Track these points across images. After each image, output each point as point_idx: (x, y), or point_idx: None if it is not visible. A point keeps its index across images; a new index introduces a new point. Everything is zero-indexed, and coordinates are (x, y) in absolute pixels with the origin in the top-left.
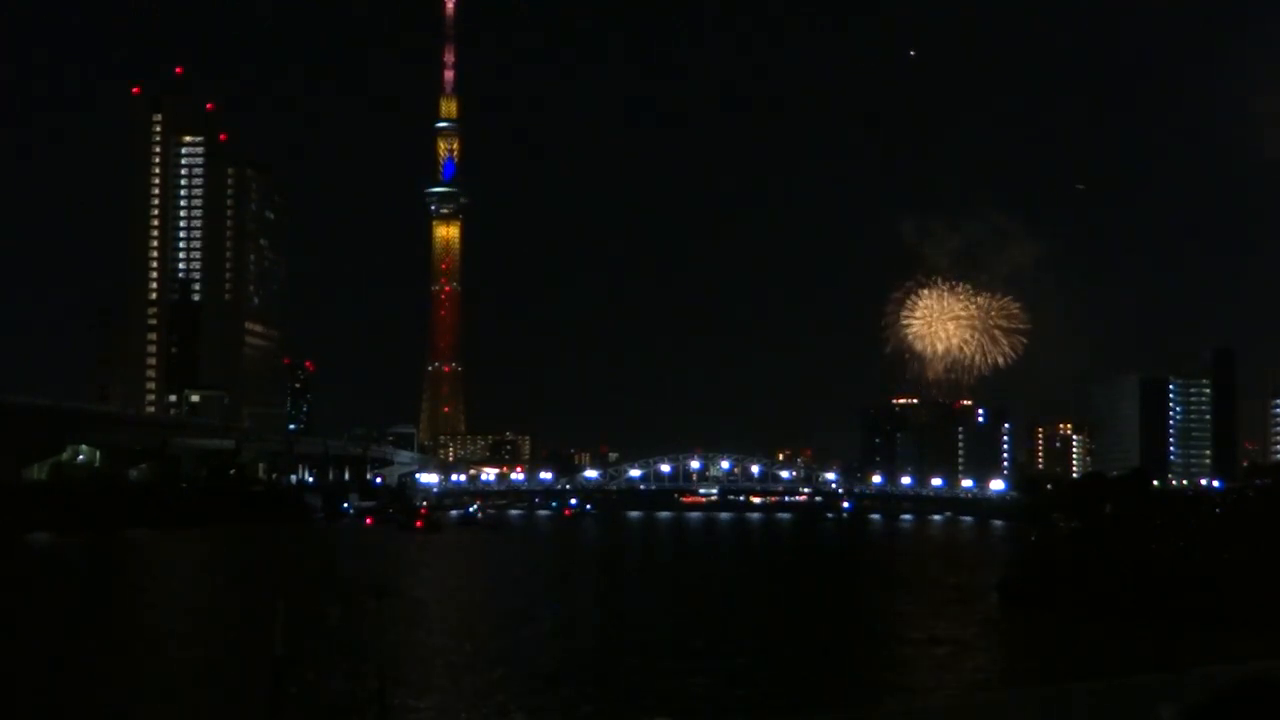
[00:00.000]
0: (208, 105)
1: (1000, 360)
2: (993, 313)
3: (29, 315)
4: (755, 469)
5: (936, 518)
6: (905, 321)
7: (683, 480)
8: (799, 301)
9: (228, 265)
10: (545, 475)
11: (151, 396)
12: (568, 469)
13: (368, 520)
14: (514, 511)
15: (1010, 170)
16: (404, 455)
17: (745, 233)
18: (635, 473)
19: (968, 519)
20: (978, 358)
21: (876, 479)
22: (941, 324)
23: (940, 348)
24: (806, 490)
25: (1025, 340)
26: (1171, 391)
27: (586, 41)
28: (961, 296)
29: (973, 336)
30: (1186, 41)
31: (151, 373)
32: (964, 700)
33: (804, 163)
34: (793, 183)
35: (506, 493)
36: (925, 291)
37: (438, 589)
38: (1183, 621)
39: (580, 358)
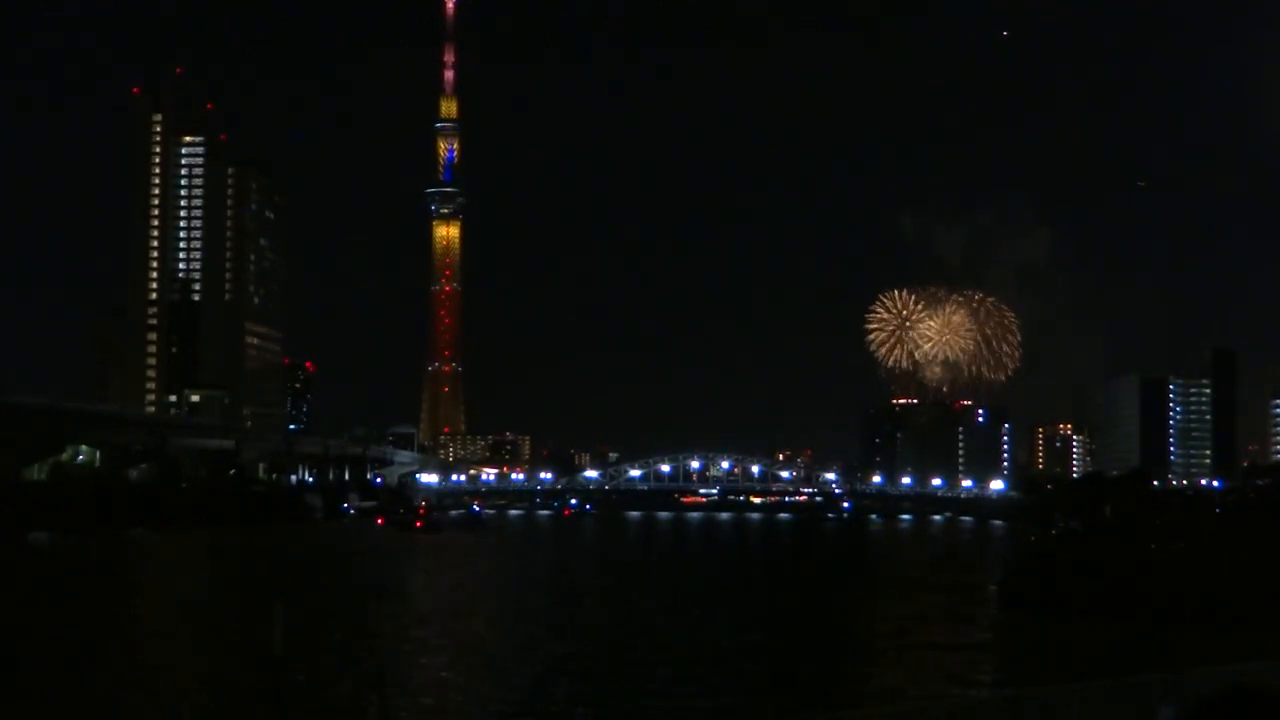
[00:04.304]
0: (208, 105)
1: (1000, 371)
2: (989, 323)
3: (29, 315)
4: (755, 469)
5: (936, 518)
6: (894, 333)
7: (683, 480)
8: (799, 301)
9: (228, 265)
10: (545, 475)
11: (151, 396)
12: (568, 469)
13: (379, 520)
14: (514, 512)
15: (1009, 171)
16: (404, 455)
17: (745, 232)
18: (635, 473)
19: (968, 519)
20: (976, 368)
21: (876, 479)
22: (934, 335)
23: (936, 356)
24: (806, 490)
25: (1019, 353)
26: (1171, 391)
27: (586, 41)
28: (955, 307)
29: (970, 347)
30: (1191, 41)
31: (151, 373)
32: (963, 701)
33: (805, 160)
34: (793, 181)
35: (506, 492)
36: (918, 305)
37: (437, 588)
38: (1182, 621)
39: (580, 358)
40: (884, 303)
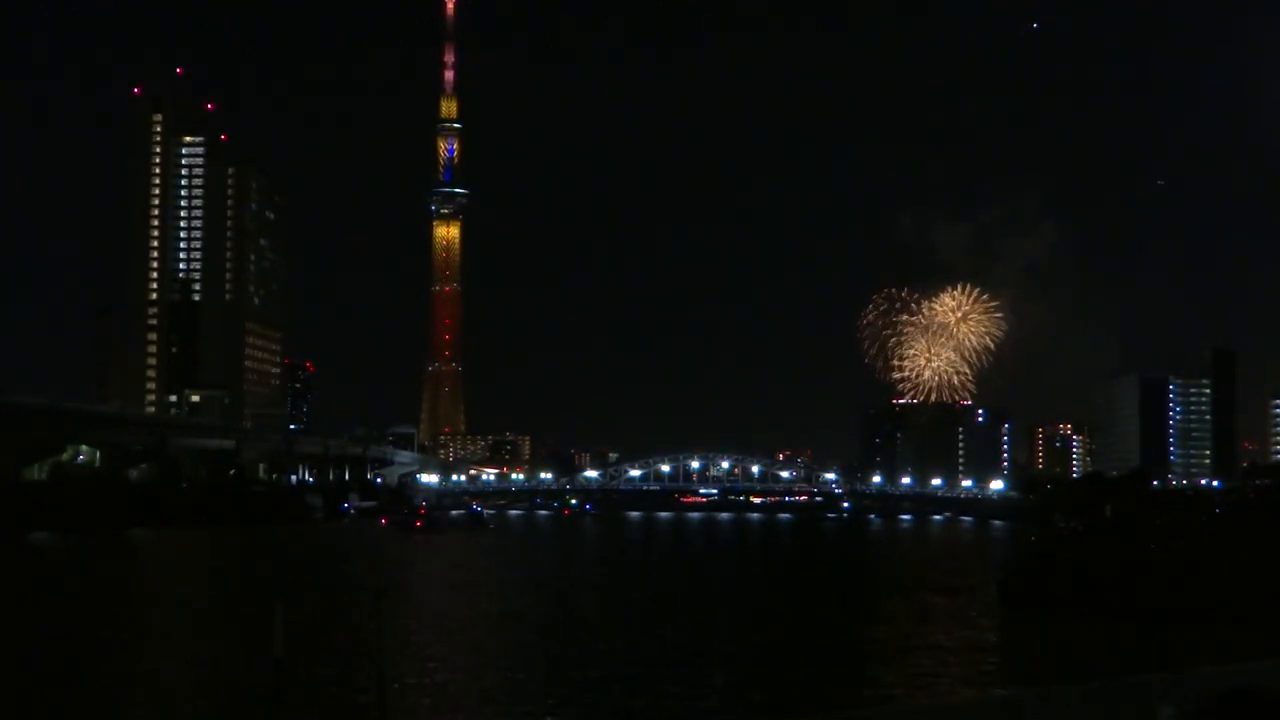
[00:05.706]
0: (208, 105)
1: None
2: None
3: (29, 315)
4: (755, 469)
5: (936, 518)
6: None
7: (683, 480)
8: (799, 301)
9: (228, 265)
10: (545, 475)
11: (151, 396)
12: (568, 469)
13: (382, 520)
14: (513, 511)
15: (1009, 171)
16: (404, 455)
17: (745, 232)
18: (635, 473)
19: (968, 519)
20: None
21: (876, 479)
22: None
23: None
24: (807, 490)
25: (997, 343)
26: (1171, 391)
27: (585, 41)
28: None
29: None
30: (1191, 41)
31: (151, 373)
32: (963, 701)
33: (804, 160)
34: (793, 181)
35: (506, 492)
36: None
37: (436, 589)
38: (1182, 621)
39: (581, 358)
40: (876, 303)
